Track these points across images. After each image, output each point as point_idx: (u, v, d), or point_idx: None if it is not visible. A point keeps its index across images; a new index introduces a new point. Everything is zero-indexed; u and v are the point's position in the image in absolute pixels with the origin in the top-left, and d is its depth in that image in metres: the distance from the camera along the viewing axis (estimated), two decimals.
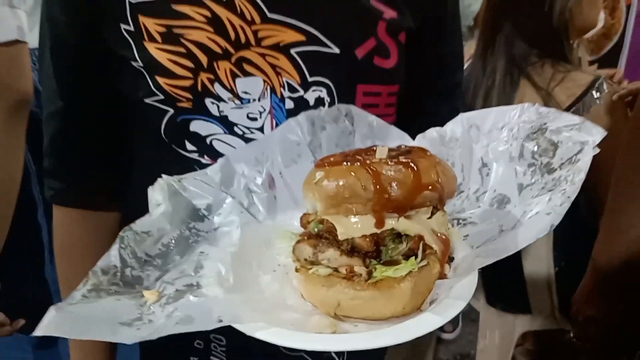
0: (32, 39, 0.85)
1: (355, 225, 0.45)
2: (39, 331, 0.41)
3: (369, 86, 0.62)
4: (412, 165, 0.45)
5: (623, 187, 0.84)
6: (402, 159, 0.46)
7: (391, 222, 0.45)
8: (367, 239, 0.45)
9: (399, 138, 0.59)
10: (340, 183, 0.45)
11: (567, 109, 1.29)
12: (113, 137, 0.65)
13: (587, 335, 0.94)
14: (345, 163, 0.46)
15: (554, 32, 1.31)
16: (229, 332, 0.43)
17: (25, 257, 1.11)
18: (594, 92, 1.27)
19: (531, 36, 1.33)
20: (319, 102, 0.60)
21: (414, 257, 0.45)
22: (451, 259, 0.49)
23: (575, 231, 1.27)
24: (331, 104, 0.60)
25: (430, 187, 0.46)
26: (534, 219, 0.46)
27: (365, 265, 0.45)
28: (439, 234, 0.47)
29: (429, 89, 0.70)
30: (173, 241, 0.52)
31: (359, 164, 0.45)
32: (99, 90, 0.63)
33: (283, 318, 0.45)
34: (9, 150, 0.91)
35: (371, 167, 0.45)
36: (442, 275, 0.48)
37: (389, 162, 0.46)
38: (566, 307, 1.12)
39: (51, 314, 0.42)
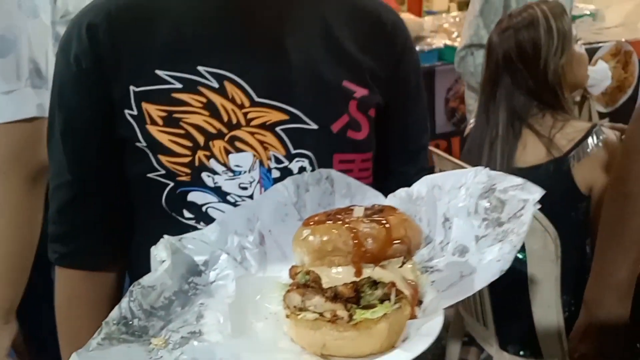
0: None
1: (338, 275, 0.52)
2: None
3: (344, 155, 0.70)
4: (384, 222, 0.53)
5: (608, 233, 0.92)
6: (375, 217, 0.54)
7: (368, 272, 0.51)
8: (348, 287, 0.51)
9: (374, 197, 0.66)
10: (325, 239, 0.52)
11: (568, 153, 1.36)
12: (117, 206, 0.72)
13: None
14: (328, 222, 0.54)
15: (550, 86, 1.41)
16: None
17: (40, 306, 1.18)
18: (592, 138, 1.35)
19: (530, 90, 1.42)
20: (302, 170, 0.68)
21: (388, 301, 0.51)
22: (420, 302, 0.55)
23: (583, 276, 1.32)
24: (312, 172, 0.69)
25: (399, 241, 0.53)
26: (487, 265, 0.52)
27: (347, 309, 0.51)
28: (408, 281, 0.53)
29: (397, 153, 0.77)
30: (174, 295, 0.58)
31: (340, 222, 0.53)
32: (105, 166, 0.70)
33: (277, 358, 0.52)
34: (31, 212, 0.99)
35: (350, 225, 0.53)
36: (412, 316, 0.53)
37: (365, 220, 0.53)
38: None
39: (73, 358, 0.49)
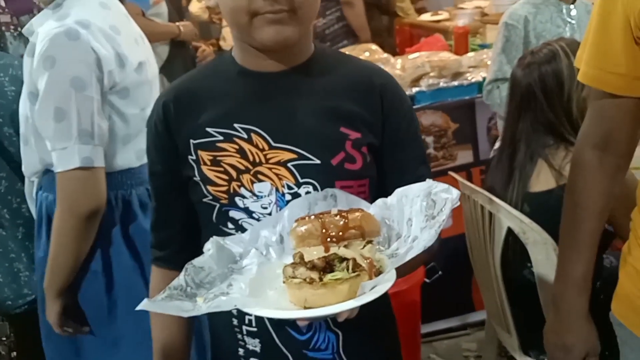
0: None
1: (313, 252, 0.73)
2: (141, 306, 0.73)
3: (343, 182, 0.87)
4: (344, 215, 0.75)
5: (565, 237, 1.05)
6: (342, 213, 0.76)
7: (334, 249, 0.73)
8: (321, 260, 0.72)
9: (364, 206, 0.83)
10: (303, 228, 0.75)
11: None
12: (190, 224, 0.97)
13: None
14: (307, 217, 0.77)
15: (570, 120, 1.51)
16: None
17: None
18: None
19: (549, 123, 1.53)
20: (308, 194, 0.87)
21: (347, 270, 0.71)
22: (380, 272, 0.75)
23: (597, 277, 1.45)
24: (320, 190, 0.88)
25: (354, 227, 0.74)
26: (420, 242, 0.72)
27: (320, 275, 0.71)
28: (366, 257, 0.73)
29: (396, 183, 0.87)
30: (217, 276, 0.80)
31: (313, 217, 0.76)
32: (177, 196, 0.96)
33: (274, 307, 0.75)
34: (81, 241, 1.27)
35: (320, 218, 0.75)
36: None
37: (332, 215, 0.75)
38: None
39: (145, 302, 0.73)
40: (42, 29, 1.24)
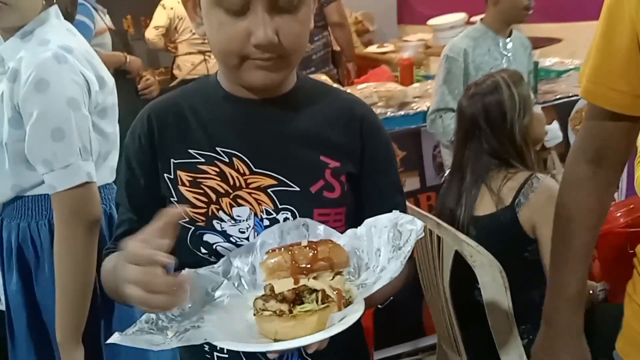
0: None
1: (284, 285, 0.73)
2: (112, 340, 0.72)
3: (321, 209, 0.88)
4: (314, 247, 0.75)
5: (556, 253, 1.03)
6: (311, 244, 0.76)
7: (304, 281, 0.73)
8: (290, 292, 0.73)
9: (335, 237, 0.83)
10: (273, 260, 0.74)
11: (512, 203, 1.56)
12: None
13: None
14: (278, 250, 0.76)
15: (514, 146, 1.61)
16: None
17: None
18: (528, 185, 1.54)
19: (492, 150, 1.62)
20: (286, 220, 0.87)
21: (316, 302, 0.72)
22: (349, 303, 0.75)
23: (540, 307, 1.51)
24: (293, 220, 0.88)
25: (323, 259, 0.74)
26: (387, 272, 0.74)
27: (290, 307, 0.72)
28: (335, 289, 0.74)
29: (373, 210, 0.89)
30: (189, 308, 0.78)
31: (283, 249, 0.75)
32: (153, 210, 0.90)
33: (245, 340, 0.74)
34: (87, 254, 1.27)
35: (290, 250, 0.74)
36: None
37: (302, 247, 0.75)
38: None
39: (116, 336, 0.73)
40: (25, 54, 1.25)
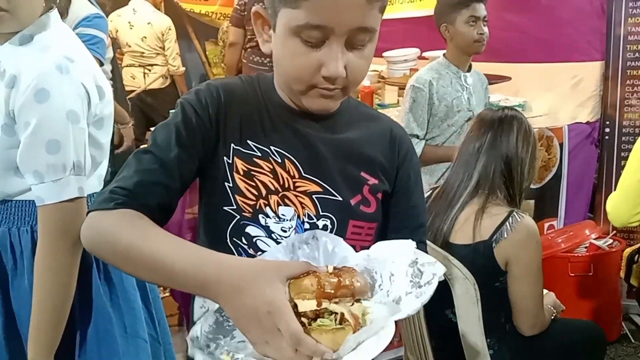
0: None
1: (307, 305, 0.75)
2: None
3: (356, 222, 0.93)
4: (338, 275, 0.76)
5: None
6: (335, 271, 0.77)
7: (325, 304, 0.75)
8: (311, 312, 0.74)
9: (344, 248, 0.86)
10: (301, 283, 0.75)
11: (491, 237, 1.64)
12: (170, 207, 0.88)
13: None
14: (306, 273, 0.77)
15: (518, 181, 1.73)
16: None
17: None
18: (508, 222, 1.63)
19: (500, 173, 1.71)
20: (325, 228, 0.91)
21: (333, 321, 0.74)
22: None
23: (504, 327, 1.67)
24: (331, 230, 0.91)
25: (345, 288, 0.75)
26: (403, 313, 0.74)
27: (309, 322, 0.74)
28: (353, 314, 0.76)
29: (401, 228, 0.97)
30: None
31: (311, 274, 0.77)
32: (184, 180, 0.88)
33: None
34: (71, 272, 1.24)
35: (317, 275, 0.75)
36: None
37: (328, 274, 0.77)
38: None
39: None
40: (26, 61, 1.22)
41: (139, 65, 4.24)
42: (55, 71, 1.20)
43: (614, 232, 2.83)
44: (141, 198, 0.82)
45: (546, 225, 2.94)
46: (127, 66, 4.21)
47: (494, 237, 1.65)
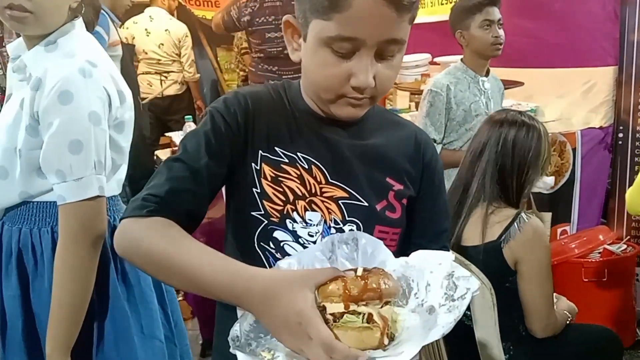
0: None
1: (335, 308, 0.75)
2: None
3: (381, 227, 0.94)
4: (365, 277, 0.76)
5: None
6: (363, 274, 0.78)
7: (353, 307, 0.75)
8: (339, 314, 0.74)
9: (384, 252, 0.86)
10: (328, 289, 0.76)
11: (499, 238, 1.67)
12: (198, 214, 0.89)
13: None
14: (334, 279, 0.77)
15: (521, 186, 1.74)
16: None
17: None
18: (516, 224, 1.66)
19: (502, 182, 1.74)
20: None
21: (360, 320, 0.74)
22: (392, 336, 0.76)
23: (517, 327, 1.67)
24: (344, 232, 0.91)
25: (371, 291, 0.75)
26: (439, 328, 0.73)
27: (336, 318, 0.74)
28: (382, 316, 0.76)
29: (424, 234, 0.98)
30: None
31: (339, 279, 0.75)
32: (212, 187, 0.89)
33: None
34: (90, 271, 1.27)
35: (343, 279, 0.76)
36: (381, 342, 0.74)
37: (355, 278, 0.76)
38: None
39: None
40: (51, 65, 1.25)
41: (155, 73, 4.28)
42: (79, 75, 1.24)
43: (628, 237, 2.82)
44: (172, 205, 0.85)
45: (559, 230, 2.93)
46: (143, 73, 4.24)
47: (502, 237, 1.68)
